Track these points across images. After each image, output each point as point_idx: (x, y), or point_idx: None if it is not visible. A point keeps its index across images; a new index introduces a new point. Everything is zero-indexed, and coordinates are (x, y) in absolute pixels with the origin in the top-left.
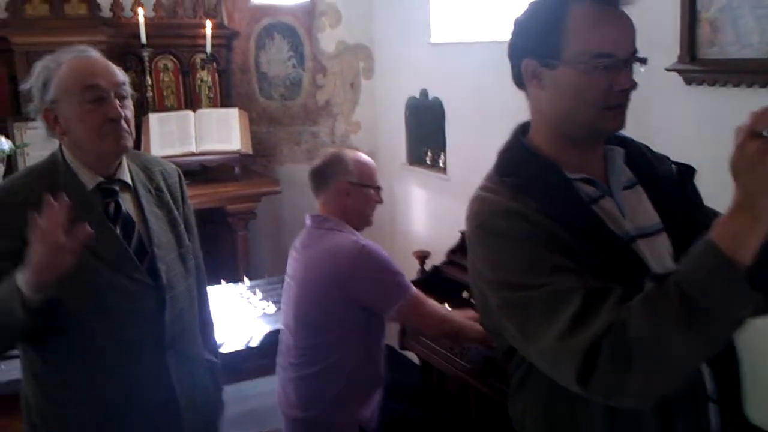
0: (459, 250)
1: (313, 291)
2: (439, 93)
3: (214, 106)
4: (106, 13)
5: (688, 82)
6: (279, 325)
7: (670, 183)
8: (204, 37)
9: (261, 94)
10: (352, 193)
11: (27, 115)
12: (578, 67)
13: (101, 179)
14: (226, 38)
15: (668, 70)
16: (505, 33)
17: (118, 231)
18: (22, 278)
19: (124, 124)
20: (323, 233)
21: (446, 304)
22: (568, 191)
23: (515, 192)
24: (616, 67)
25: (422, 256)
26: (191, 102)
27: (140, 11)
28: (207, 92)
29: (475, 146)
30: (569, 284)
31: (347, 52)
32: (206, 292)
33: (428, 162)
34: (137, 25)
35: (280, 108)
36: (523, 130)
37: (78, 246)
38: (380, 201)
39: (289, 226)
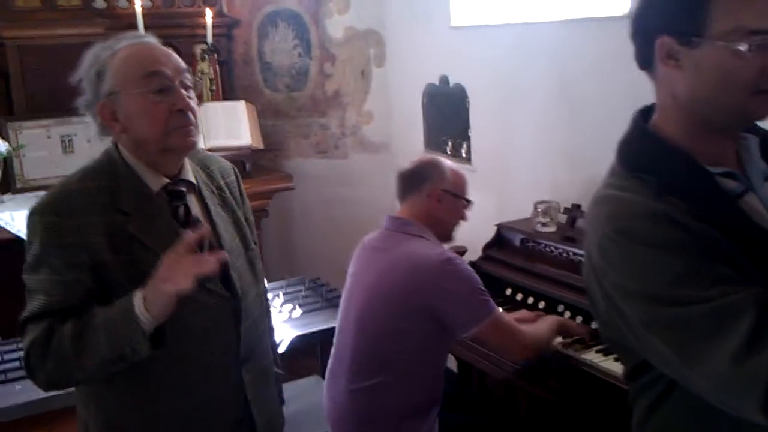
0: (495, 244)
1: (386, 297)
2: (462, 79)
3: (216, 99)
4: (100, 3)
5: None
6: (307, 330)
7: None
8: (204, 26)
9: (265, 86)
10: (443, 200)
11: (75, 110)
12: (729, 46)
13: (167, 180)
14: (226, 27)
15: None
16: (535, 15)
17: None
18: (141, 310)
19: (192, 117)
20: (404, 238)
21: None
22: (714, 188)
23: (658, 191)
24: None
25: (459, 252)
26: None
27: (137, 0)
28: (208, 84)
29: (503, 134)
30: (736, 297)
31: (357, 39)
32: (267, 297)
33: (448, 152)
34: (134, 15)
35: (286, 99)
36: (643, 116)
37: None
38: (465, 218)
39: (299, 223)
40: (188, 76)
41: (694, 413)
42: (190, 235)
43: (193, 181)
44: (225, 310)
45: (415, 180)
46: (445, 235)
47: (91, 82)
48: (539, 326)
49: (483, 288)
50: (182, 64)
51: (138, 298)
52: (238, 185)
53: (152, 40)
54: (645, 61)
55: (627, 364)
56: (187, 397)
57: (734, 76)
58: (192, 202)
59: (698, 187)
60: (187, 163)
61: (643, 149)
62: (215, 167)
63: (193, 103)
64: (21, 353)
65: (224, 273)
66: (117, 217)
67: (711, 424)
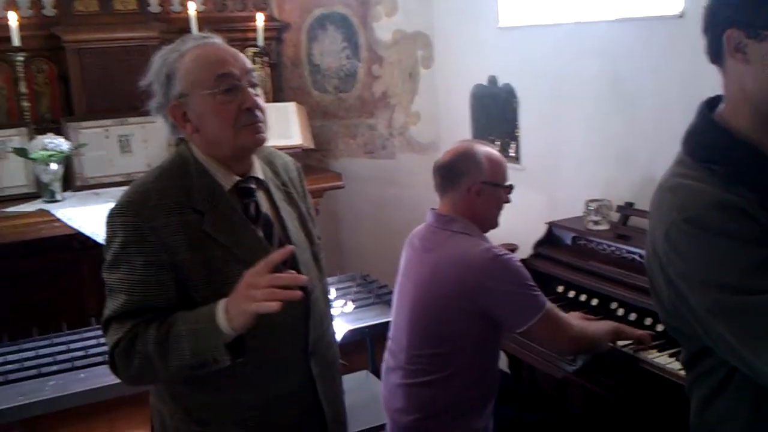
0: (546, 242)
1: (436, 299)
2: (510, 79)
3: (267, 101)
4: (155, 7)
5: None
6: (358, 324)
7: None
8: (255, 30)
9: (314, 87)
10: (483, 193)
11: (133, 111)
12: None
13: (238, 178)
14: (276, 31)
15: None
16: (586, 14)
17: (261, 234)
18: (223, 322)
19: (260, 114)
20: (450, 236)
21: None
22: None
23: (727, 181)
24: None
25: (510, 250)
26: None
27: (190, 5)
28: None
29: (553, 133)
30: None
31: (405, 41)
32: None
33: None
34: (187, 19)
35: (335, 101)
36: (709, 107)
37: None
38: (509, 201)
39: (348, 222)
40: (254, 74)
41: (754, 401)
42: (274, 254)
43: (262, 177)
44: (295, 304)
45: (452, 176)
46: (490, 225)
47: (161, 85)
48: (594, 324)
49: (532, 282)
50: (248, 63)
51: (221, 309)
52: (301, 180)
53: (217, 40)
54: (715, 54)
55: (686, 351)
56: (261, 391)
57: None
58: (261, 198)
59: (766, 179)
60: (256, 160)
61: (711, 140)
62: (279, 163)
63: (260, 100)
64: (84, 343)
65: (293, 267)
66: (192, 216)
67: None
